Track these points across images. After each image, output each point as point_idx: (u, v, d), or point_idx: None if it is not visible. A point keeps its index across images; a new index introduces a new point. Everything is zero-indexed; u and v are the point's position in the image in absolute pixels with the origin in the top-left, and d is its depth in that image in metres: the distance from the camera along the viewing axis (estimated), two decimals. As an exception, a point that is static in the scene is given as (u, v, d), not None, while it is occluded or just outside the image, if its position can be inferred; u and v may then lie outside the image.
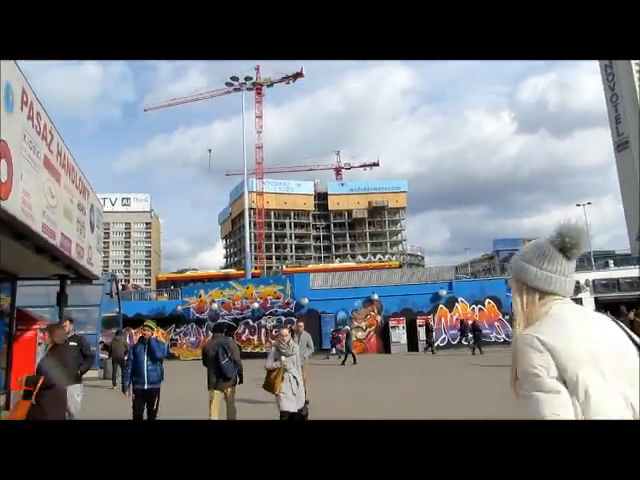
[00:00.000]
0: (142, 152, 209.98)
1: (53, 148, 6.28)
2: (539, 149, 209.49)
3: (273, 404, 7.52)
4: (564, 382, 1.47)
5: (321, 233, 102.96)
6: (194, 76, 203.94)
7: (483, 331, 24.87)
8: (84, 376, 7.58)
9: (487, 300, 27.95)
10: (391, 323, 27.09)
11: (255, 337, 28.01)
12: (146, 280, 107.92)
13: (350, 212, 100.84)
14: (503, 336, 26.69)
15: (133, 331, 29.93)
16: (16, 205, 4.81)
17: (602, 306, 27.16)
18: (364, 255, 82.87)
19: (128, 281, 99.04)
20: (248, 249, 36.10)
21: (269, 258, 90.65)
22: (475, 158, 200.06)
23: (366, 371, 18.80)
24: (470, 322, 25.20)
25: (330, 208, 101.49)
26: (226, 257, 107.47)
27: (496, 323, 26.95)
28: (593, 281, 28.33)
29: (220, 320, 28.06)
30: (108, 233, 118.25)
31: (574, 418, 1.47)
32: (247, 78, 35.82)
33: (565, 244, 1.60)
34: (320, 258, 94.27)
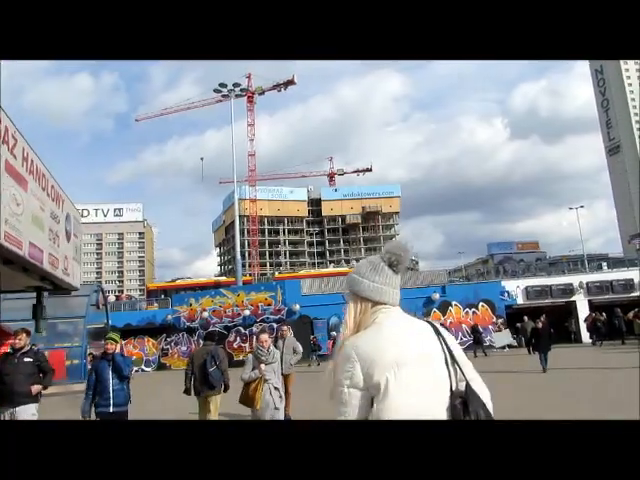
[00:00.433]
0: (136, 163, 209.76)
1: (17, 153, 6.03)
2: (531, 155, 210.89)
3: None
4: (370, 386, 1.59)
5: (315, 239, 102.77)
6: (187, 86, 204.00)
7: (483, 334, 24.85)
8: (76, 388, 7.13)
9: (481, 303, 27.82)
10: (384, 328, 26.77)
11: (246, 345, 27.67)
12: (140, 290, 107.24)
13: (344, 217, 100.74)
14: (492, 339, 26.47)
15: (123, 342, 29.60)
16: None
17: (596, 308, 27.14)
18: (358, 260, 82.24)
19: (122, 291, 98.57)
20: (239, 256, 35.71)
21: (263, 265, 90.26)
22: (468, 164, 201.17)
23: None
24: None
25: (324, 214, 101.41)
26: (220, 265, 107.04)
27: (490, 326, 26.76)
28: (587, 284, 28.22)
29: (212, 328, 27.75)
30: (101, 244, 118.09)
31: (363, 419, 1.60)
32: (235, 84, 35.52)
33: (392, 260, 1.77)
34: (314, 264, 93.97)
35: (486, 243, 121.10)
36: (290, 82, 78.40)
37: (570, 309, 28.17)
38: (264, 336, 6.72)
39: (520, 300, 28.12)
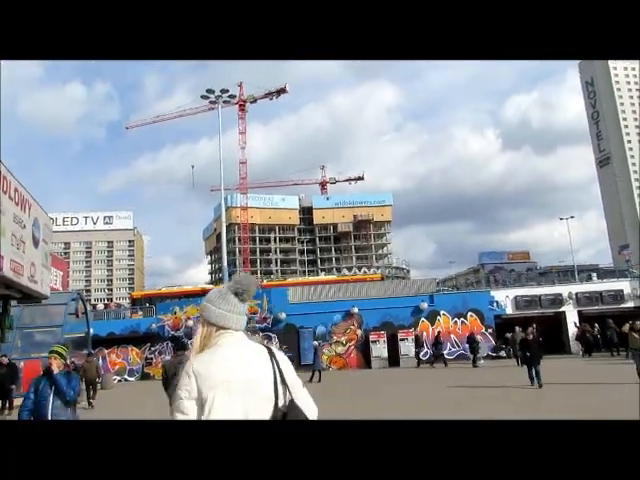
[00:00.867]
0: (129, 171, 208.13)
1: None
2: (523, 165, 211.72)
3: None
4: (202, 399, 1.79)
5: (306, 247, 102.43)
6: (180, 95, 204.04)
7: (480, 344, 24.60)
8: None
9: (469, 313, 27.46)
10: (371, 337, 26.38)
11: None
12: (130, 299, 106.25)
13: (335, 226, 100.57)
14: (486, 350, 26.12)
15: (106, 351, 28.94)
16: None
17: (585, 319, 26.87)
18: (349, 269, 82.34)
19: (111, 300, 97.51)
20: (225, 264, 35.21)
21: (254, 273, 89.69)
22: (461, 174, 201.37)
23: (338, 390, 18.06)
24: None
25: (315, 222, 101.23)
26: (211, 273, 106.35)
27: (478, 337, 26.43)
28: (576, 294, 27.92)
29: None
30: (90, 252, 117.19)
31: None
32: (223, 90, 35.19)
33: (238, 290, 1.98)
34: (305, 272, 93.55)
35: (477, 253, 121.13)
36: (282, 90, 78.67)
37: (559, 319, 27.87)
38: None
39: (509, 310, 27.79)
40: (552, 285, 29.87)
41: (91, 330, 27.06)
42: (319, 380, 19.87)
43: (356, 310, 27.09)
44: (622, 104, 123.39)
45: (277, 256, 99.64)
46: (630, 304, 27.38)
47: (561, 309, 27.81)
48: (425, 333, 27.03)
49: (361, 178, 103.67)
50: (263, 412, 1.82)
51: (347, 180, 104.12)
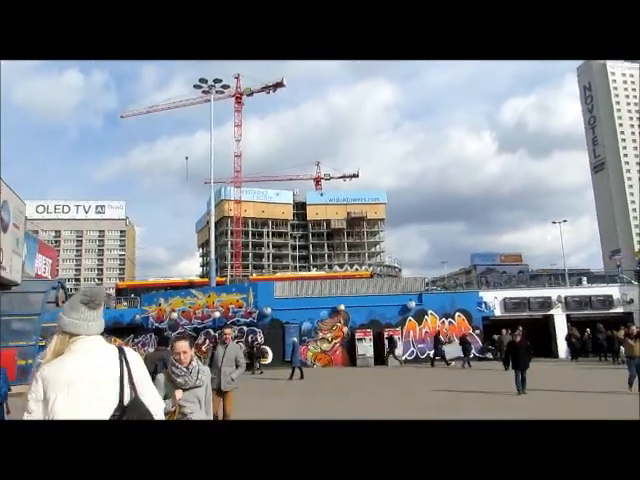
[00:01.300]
0: (124, 161, 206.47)
1: None
2: (519, 168, 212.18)
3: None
4: (46, 400, 1.99)
5: (297, 242, 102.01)
6: (178, 86, 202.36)
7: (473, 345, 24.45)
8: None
9: (457, 313, 27.22)
10: (357, 335, 26.07)
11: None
12: (115, 289, 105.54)
13: (328, 222, 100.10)
14: (473, 351, 25.83)
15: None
16: None
17: (574, 323, 26.67)
18: (341, 265, 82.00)
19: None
20: (213, 256, 34.72)
21: (246, 267, 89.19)
22: (456, 175, 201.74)
23: (320, 388, 17.73)
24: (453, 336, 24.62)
25: (309, 218, 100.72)
26: (202, 265, 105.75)
27: (441, 337, 26.15)
28: (565, 298, 27.73)
29: (180, 329, 26.81)
30: (81, 241, 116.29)
31: None
32: (216, 80, 34.61)
33: (83, 300, 2.18)
34: (297, 268, 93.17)
35: (470, 254, 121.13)
36: (279, 84, 78.05)
37: (547, 323, 27.67)
38: (181, 344, 4.24)
39: (497, 312, 27.56)
40: (541, 288, 29.68)
41: (73, 319, 26.66)
42: (301, 377, 19.50)
43: (343, 307, 26.76)
44: (619, 110, 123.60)
45: (269, 251, 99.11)
46: (619, 309, 27.26)
47: (549, 312, 27.64)
48: (412, 332, 26.78)
49: (356, 175, 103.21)
50: (106, 411, 1.98)
51: (342, 177, 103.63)
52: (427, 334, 26.69)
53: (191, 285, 33.59)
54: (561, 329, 26.94)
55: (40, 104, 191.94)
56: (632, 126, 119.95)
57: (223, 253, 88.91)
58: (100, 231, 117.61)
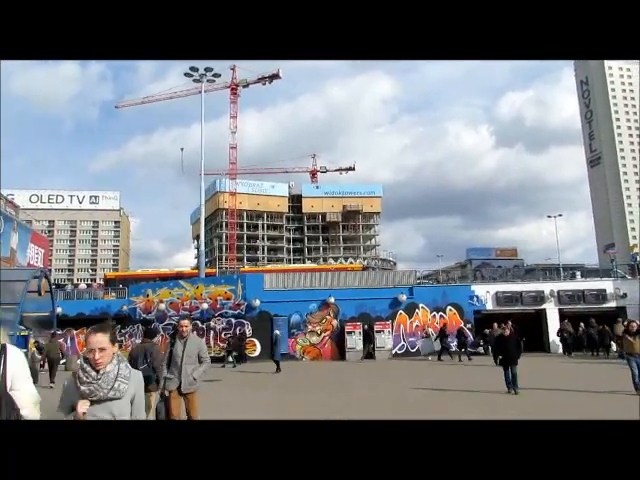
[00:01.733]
0: (120, 152, 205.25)
1: None
2: (516, 163, 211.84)
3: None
4: None
5: (291, 235, 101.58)
6: (175, 77, 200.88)
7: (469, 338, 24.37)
8: None
9: (448, 307, 26.90)
10: (347, 328, 25.70)
11: (203, 339, 26.34)
12: (103, 279, 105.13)
13: (324, 215, 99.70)
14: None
15: (75, 332, 28.04)
16: None
17: (566, 317, 26.37)
18: (336, 259, 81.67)
19: (94, 280, 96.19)
20: (202, 247, 34.29)
21: (240, 259, 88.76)
22: (453, 169, 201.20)
23: (300, 382, 17.37)
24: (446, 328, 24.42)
25: (304, 211, 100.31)
26: (197, 257, 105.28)
27: (419, 332, 25.92)
28: (558, 292, 27.40)
29: (168, 321, 26.42)
30: (75, 231, 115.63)
31: None
32: (207, 69, 33.92)
33: None
34: (291, 260, 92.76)
35: (465, 248, 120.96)
36: (275, 76, 77.40)
37: (540, 317, 27.38)
38: (97, 338, 2.95)
39: (490, 306, 27.23)
40: (534, 282, 29.37)
41: (58, 309, 26.20)
42: (277, 370, 19.27)
43: (332, 300, 26.39)
44: (615, 104, 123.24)
45: (264, 243, 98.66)
46: (612, 304, 26.98)
47: (542, 306, 27.33)
48: (402, 326, 26.46)
49: (352, 169, 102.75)
50: None
51: (338, 170, 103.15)
52: (417, 328, 26.41)
53: (180, 276, 33.16)
54: (554, 323, 26.66)
55: (37, 95, 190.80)
56: (628, 120, 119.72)
57: (218, 245, 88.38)
58: (94, 221, 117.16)
